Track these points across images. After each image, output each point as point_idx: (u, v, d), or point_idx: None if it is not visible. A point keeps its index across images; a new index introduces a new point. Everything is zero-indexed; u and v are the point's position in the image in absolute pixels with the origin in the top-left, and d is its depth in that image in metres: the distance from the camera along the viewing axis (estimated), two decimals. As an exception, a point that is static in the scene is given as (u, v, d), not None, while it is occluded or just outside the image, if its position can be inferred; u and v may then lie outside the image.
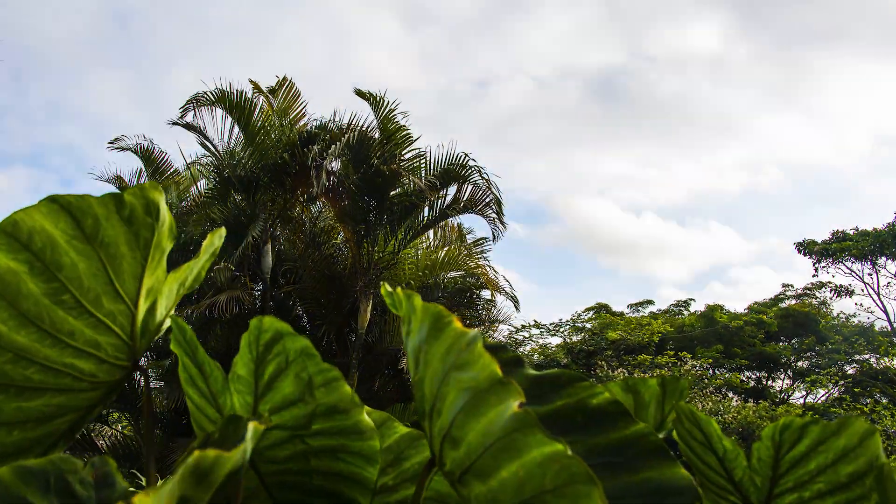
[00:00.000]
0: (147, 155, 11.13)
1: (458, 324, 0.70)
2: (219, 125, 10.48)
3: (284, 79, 10.71)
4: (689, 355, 18.54)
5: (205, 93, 9.64)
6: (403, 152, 10.30)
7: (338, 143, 9.46)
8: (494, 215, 10.43)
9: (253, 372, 1.01)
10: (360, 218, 10.01)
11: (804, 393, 21.18)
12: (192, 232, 10.56)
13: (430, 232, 11.40)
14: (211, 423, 1.09)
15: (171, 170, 11.62)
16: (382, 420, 1.24)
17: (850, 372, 20.49)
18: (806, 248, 23.42)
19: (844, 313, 24.46)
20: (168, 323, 1.06)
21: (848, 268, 23.07)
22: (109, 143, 10.68)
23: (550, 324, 22.69)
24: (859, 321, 23.48)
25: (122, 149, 10.89)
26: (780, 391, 22.66)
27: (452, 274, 11.61)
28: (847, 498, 0.84)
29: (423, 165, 10.35)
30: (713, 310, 23.87)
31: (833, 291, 23.74)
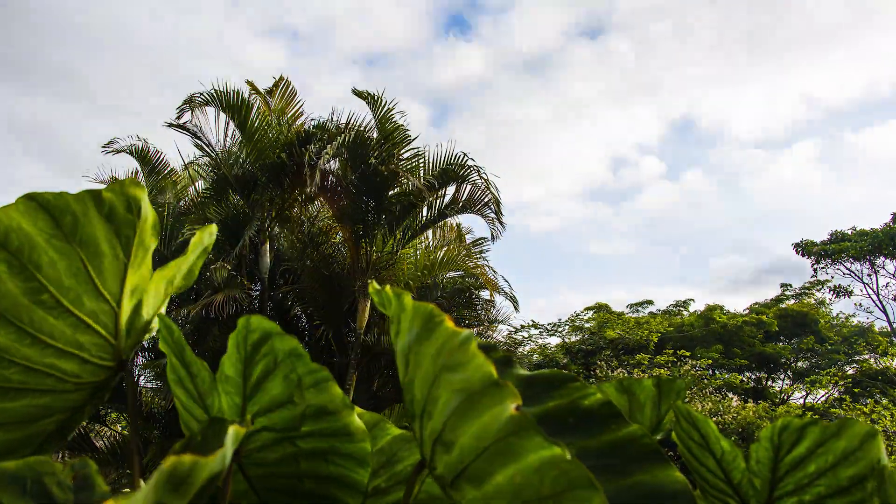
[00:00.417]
0: (142, 156, 11.10)
1: (449, 323, 0.67)
2: (215, 125, 10.48)
3: (281, 78, 10.71)
4: (689, 353, 18.52)
5: (201, 93, 9.64)
6: (401, 152, 10.28)
7: (333, 143, 9.44)
8: (493, 215, 10.42)
9: (241, 372, 0.99)
10: (359, 218, 9.99)
11: (804, 393, 21.16)
12: (190, 231, 10.54)
13: (429, 232, 11.39)
14: (198, 425, 1.07)
15: (168, 170, 11.60)
16: (374, 421, 1.22)
17: (850, 372, 20.47)
18: (804, 248, 23.42)
19: (844, 313, 24.50)
20: (157, 322, 1.04)
21: (847, 268, 23.08)
22: (103, 146, 10.67)
23: (549, 324, 22.68)
24: (859, 321, 23.50)
25: (117, 151, 10.87)
26: (780, 391, 22.64)
27: (451, 274, 11.59)
28: (848, 502, 0.82)
29: (421, 165, 10.34)
30: (712, 310, 23.85)
31: (832, 292, 23.74)
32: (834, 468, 0.86)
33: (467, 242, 11.76)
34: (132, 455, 0.93)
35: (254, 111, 10.05)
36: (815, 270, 23.55)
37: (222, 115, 10.11)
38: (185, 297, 10.33)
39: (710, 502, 1.11)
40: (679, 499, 0.65)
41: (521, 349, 20.28)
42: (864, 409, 16.05)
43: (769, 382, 23.08)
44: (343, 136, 9.76)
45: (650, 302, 26.87)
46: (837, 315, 24.21)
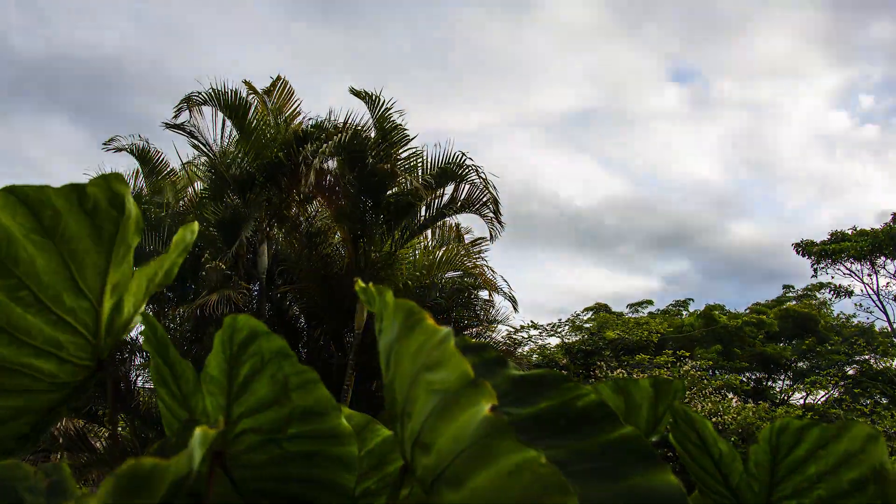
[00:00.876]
0: (143, 155, 11.08)
1: (430, 320, 0.65)
2: (213, 125, 10.46)
3: (279, 77, 10.68)
4: (688, 353, 18.49)
5: (198, 93, 9.61)
6: (400, 151, 10.26)
7: (329, 142, 9.41)
8: (492, 214, 10.40)
9: (226, 373, 0.96)
10: (357, 217, 9.96)
11: (804, 394, 21.13)
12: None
13: (428, 232, 11.37)
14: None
15: (168, 169, 11.58)
16: (364, 423, 1.19)
17: (850, 373, 20.44)
18: (804, 248, 23.39)
19: (844, 314, 24.46)
20: (137, 321, 1.02)
21: (847, 268, 23.05)
22: (104, 143, 10.65)
23: (548, 324, 22.65)
24: (859, 321, 23.47)
25: (118, 149, 10.84)
26: (780, 392, 22.61)
27: (450, 274, 11.57)
28: (849, 506, 0.79)
29: (419, 164, 10.32)
30: (712, 310, 23.83)
31: (833, 292, 23.72)
32: (834, 471, 0.84)
33: (466, 242, 11.74)
34: (112, 456, 0.90)
35: (251, 111, 10.03)
36: (815, 270, 23.53)
37: (220, 115, 10.11)
38: (182, 296, 10.31)
39: (707, 505, 1.08)
40: (674, 503, 0.63)
41: (520, 349, 20.25)
42: (865, 409, 16.03)
43: (769, 383, 23.05)
44: (341, 135, 9.74)
45: (650, 302, 26.89)
46: (838, 315, 24.20)
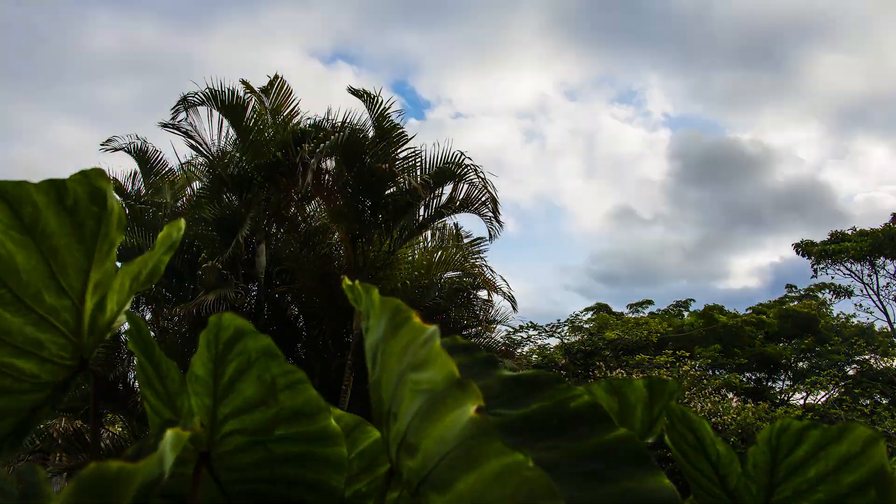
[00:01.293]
0: (141, 155, 11.06)
1: (416, 319, 0.63)
2: (210, 125, 10.44)
3: (276, 77, 10.65)
4: (688, 353, 18.46)
5: (195, 93, 9.59)
6: (398, 151, 10.24)
7: (327, 141, 9.39)
8: (490, 214, 10.39)
9: (212, 372, 0.94)
10: (355, 217, 9.94)
11: (804, 394, 21.11)
12: (187, 231, 10.49)
13: (427, 232, 11.34)
14: (167, 428, 1.02)
15: (166, 169, 11.57)
16: (355, 423, 1.17)
17: (850, 373, 20.41)
18: (804, 249, 23.38)
19: (844, 314, 24.44)
20: (121, 319, 1.00)
21: (847, 269, 23.03)
22: (102, 143, 10.63)
23: (547, 325, 22.62)
24: (859, 321, 23.45)
25: (115, 149, 10.83)
26: (780, 392, 22.58)
27: (449, 274, 11.54)
28: (849, 510, 0.77)
29: (418, 164, 10.30)
30: (712, 310, 23.81)
31: (833, 292, 23.70)
32: (835, 473, 0.81)
33: (465, 242, 11.71)
34: (94, 457, 0.88)
35: (249, 110, 10.01)
36: (814, 271, 23.51)
37: (217, 115, 10.08)
38: (182, 296, 10.29)
39: (704, 508, 1.06)
40: (667, 508, 0.60)
41: (520, 350, 20.23)
42: (865, 409, 16.00)
43: (769, 383, 23.03)
44: (339, 134, 9.71)
45: (650, 302, 26.86)
46: (838, 316, 24.18)
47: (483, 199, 10.34)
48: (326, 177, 10.21)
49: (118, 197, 11.45)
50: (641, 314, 25.66)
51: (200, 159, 11.25)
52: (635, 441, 0.68)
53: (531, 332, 22.26)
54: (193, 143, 10.23)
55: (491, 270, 11.13)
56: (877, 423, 14.24)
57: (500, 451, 0.47)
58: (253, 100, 10.50)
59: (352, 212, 9.95)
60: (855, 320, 23.56)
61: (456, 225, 11.88)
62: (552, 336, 22.63)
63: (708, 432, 1.00)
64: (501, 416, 0.77)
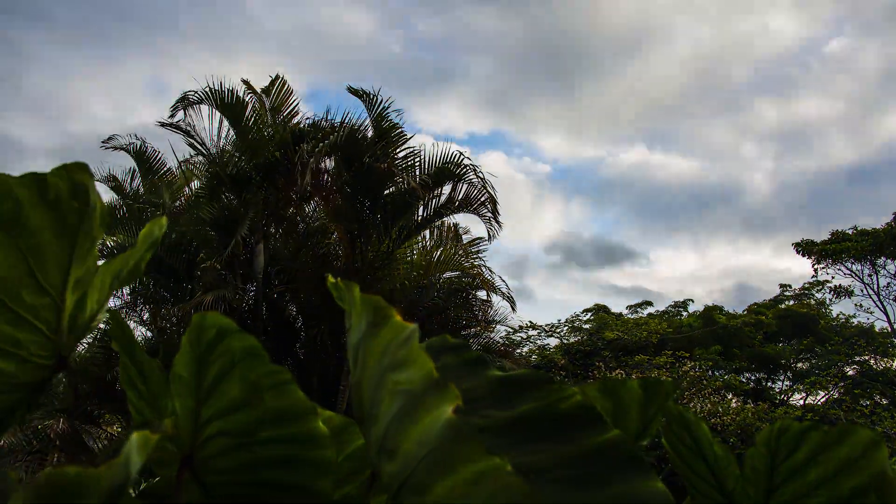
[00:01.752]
0: (140, 154, 11.04)
1: (398, 318, 0.60)
2: (209, 124, 10.41)
3: (277, 76, 10.63)
4: (687, 354, 18.44)
5: (195, 91, 9.57)
6: (397, 151, 10.21)
7: (326, 141, 9.35)
8: (489, 214, 10.35)
9: (195, 373, 0.92)
10: (354, 217, 9.91)
11: (804, 394, 21.08)
12: (184, 231, 10.47)
13: (426, 232, 11.32)
14: (151, 430, 1.00)
15: (165, 168, 11.54)
16: (343, 425, 1.15)
17: (850, 373, 20.38)
18: (805, 248, 23.35)
19: (844, 314, 24.41)
20: (102, 318, 0.97)
21: (847, 268, 23.00)
22: (103, 142, 10.61)
23: (547, 325, 22.59)
24: (859, 322, 23.42)
25: (115, 148, 10.80)
26: (780, 392, 22.55)
27: (448, 274, 11.51)
28: (849, 515, 0.75)
29: (417, 164, 10.26)
30: (712, 310, 23.78)
31: (832, 292, 23.68)
32: (835, 477, 0.79)
33: (464, 242, 11.69)
34: (73, 454, 0.86)
35: (248, 109, 9.98)
36: (815, 270, 23.48)
37: (216, 115, 10.05)
38: (180, 296, 10.26)
39: (701, 512, 1.03)
40: (660, 513, 0.58)
41: (519, 350, 20.21)
42: (865, 410, 15.98)
43: (769, 383, 23.00)
44: (337, 133, 9.69)
45: (649, 303, 26.85)
46: (837, 316, 24.15)
47: (482, 199, 10.32)
48: (325, 176, 10.19)
49: (116, 196, 11.44)
50: (641, 315, 25.65)
51: (199, 158, 11.24)
52: (628, 443, 0.65)
53: (530, 332, 22.25)
54: (192, 141, 10.21)
55: (490, 271, 11.12)
56: (876, 423, 14.21)
57: (478, 456, 0.44)
58: (253, 99, 10.49)
59: (350, 211, 9.92)
60: (855, 320, 23.54)
61: (455, 225, 11.87)
62: (551, 336, 22.62)
63: (705, 433, 0.97)
64: (490, 417, 0.75)
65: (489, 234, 10.77)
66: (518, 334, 21.12)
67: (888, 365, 20.08)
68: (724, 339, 22.08)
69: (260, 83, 11.20)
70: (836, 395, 19.34)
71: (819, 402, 19.57)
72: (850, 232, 22.52)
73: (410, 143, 10.53)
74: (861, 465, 0.71)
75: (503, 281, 11.75)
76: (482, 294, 11.72)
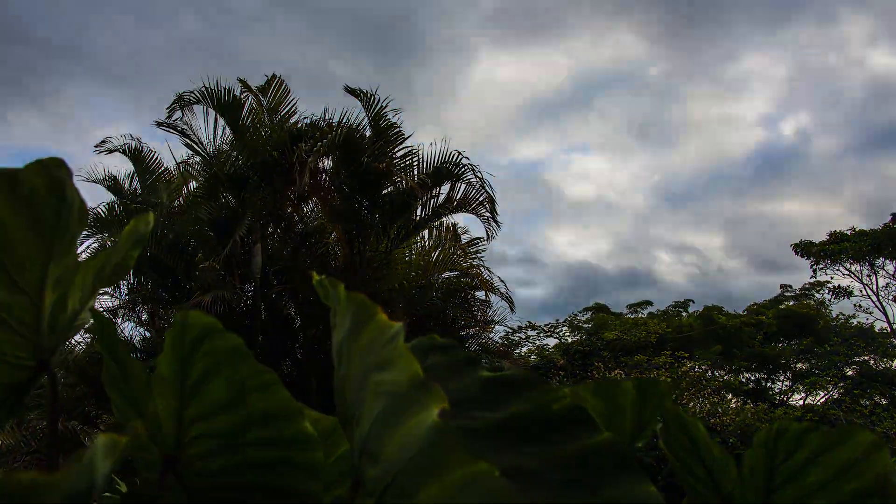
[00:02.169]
0: (136, 155, 11.00)
1: (382, 316, 0.58)
2: (206, 124, 10.39)
3: (274, 76, 10.59)
4: (687, 355, 18.41)
5: (191, 91, 9.54)
6: (395, 150, 10.18)
7: (324, 140, 9.32)
8: (488, 214, 10.33)
9: (178, 373, 0.89)
10: (352, 217, 9.88)
11: (804, 394, 21.06)
12: (183, 231, 10.45)
13: (425, 232, 11.29)
14: (134, 431, 0.98)
15: (162, 169, 11.50)
16: (333, 427, 1.12)
17: (850, 373, 20.36)
18: (803, 249, 23.34)
19: (843, 314, 24.39)
20: (84, 317, 0.95)
21: (846, 269, 22.99)
22: (96, 145, 10.57)
23: (545, 325, 22.57)
24: (858, 322, 23.41)
25: (110, 150, 10.77)
26: (780, 393, 22.53)
27: (447, 274, 11.49)
28: (850, 520, 0.72)
29: (415, 164, 10.23)
30: (711, 310, 23.76)
31: (832, 293, 23.67)
32: (836, 480, 0.77)
33: (463, 242, 11.65)
34: (51, 459, 0.83)
35: (245, 109, 9.95)
36: (814, 271, 23.47)
37: (213, 114, 10.02)
38: (178, 297, 10.24)
39: (698, 515, 1.01)
40: (652, 519, 0.56)
41: (518, 350, 20.19)
42: (864, 410, 15.95)
43: (768, 384, 22.98)
44: (335, 133, 9.65)
45: (649, 303, 26.82)
46: (837, 316, 24.14)
47: (481, 198, 10.29)
48: (323, 176, 10.16)
49: (114, 196, 11.41)
50: (640, 314, 25.62)
51: (197, 158, 11.20)
52: (620, 446, 0.63)
53: (530, 332, 22.22)
54: (189, 141, 10.18)
55: (488, 271, 11.09)
56: (876, 423, 14.19)
57: (464, 460, 0.42)
58: (250, 98, 10.46)
59: (348, 211, 9.89)
60: (854, 321, 23.53)
61: (454, 225, 11.84)
62: (550, 336, 22.60)
63: (702, 434, 0.95)
64: (478, 419, 0.73)
65: (488, 235, 10.76)
66: (517, 334, 21.11)
67: (888, 365, 20.07)
68: (724, 339, 22.06)
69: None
70: (835, 396, 19.33)
71: (819, 403, 19.56)
72: (848, 232, 22.52)
73: (408, 143, 10.52)
74: (863, 468, 0.69)
75: (502, 281, 11.73)
76: (481, 294, 11.71)
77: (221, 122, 10.16)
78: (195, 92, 9.60)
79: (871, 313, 23.48)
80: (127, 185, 11.56)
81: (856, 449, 0.69)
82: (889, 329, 22.34)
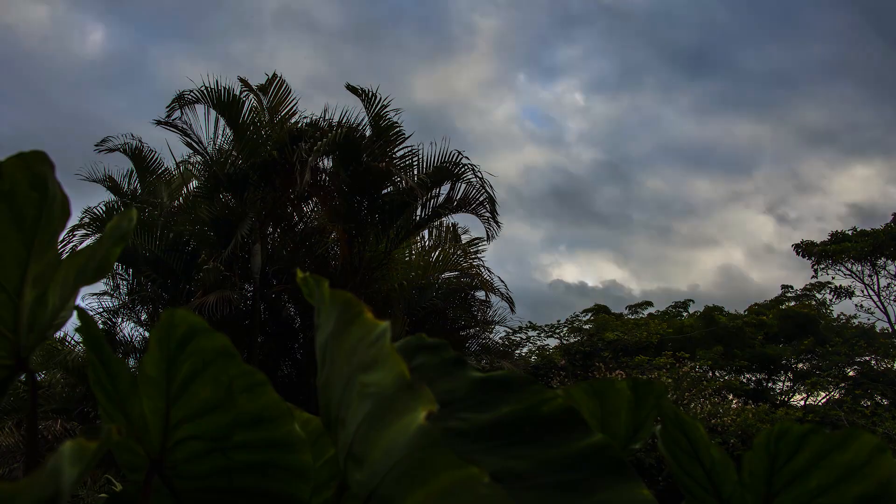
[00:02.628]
0: (136, 154, 10.99)
1: (368, 314, 0.56)
2: (206, 123, 10.37)
3: (274, 75, 10.57)
4: (687, 355, 18.37)
5: (191, 90, 9.52)
6: (395, 150, 10.15)
7: (324, 140, 9.29)
8: (488, 214, 10.29)
9: (164, 373, 0.87)
10: (351, 217, 9.86)
11: (805, 395, 21.02)
12: (182, 231, 10.43)
13: (425, 232, 11.27)
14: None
15: (162, 168, 11.49)
16: (322, 429, 1.10)
17: (851, 374, 20.31)
18: (805, 249, 23.32)
19: (845, 315, 24.35)
20: (66, 315, 0.93)
21: (848, 269, 22.96)
22: (97, 144, 10.56)
23: (546, 325, 22.52)
24: (860, 322, 23.37)
25: (110, 149, 10.75)
26: (781, 393, 22.49)
27: (447, 274, 11.46)
28: (853, 526, 0.70)
29: (415, 163, 10.20)
30: (712, 311, 23.72)
31: (833, 293, 23.64)
32: (838, 484, 0.74)
33: (463, 243, 11.62)
34: (29, 461, 0.81)
35: (245, 108, 9.94)
36: (815, 271, 23.45)
37: (213, 114, 10.01)
38: (178, 297, 10.22)
39: (696, 519, 0.99)
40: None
41: (519, 351, 20.17)
42: (866, 411, 15.92)
43: (770, 384, 22.94)
44: (335, 132, 9.62)
45: (650, 303, 26.79)
46: (838, 316, 24.10)
47: (481, 198, 10.25)
48: (323, 176, 10.14)
49: (114, 196, 11.40)
50: (641, 315, 25.59)
51: (197, 158, 11.19)
52: (612, 449, 0.61)
53: (530, 332, 22.19)
54: (189, 141, 10.17)
55: (488, 271, 11.05)
56: (877, 424, 14.15)
57: (452, 465, 0.40)
58: (251, 98, 10.44)
59: (348, 211, 9.87)
60: (856, 321, 23.49)
61: (454, 225, 11.81)
62: (551, 337, 22.57)
63: (702, 435, 0.93)
64: (468, 420, 0.71)
65: (488, 235, 10.71)
66: (518, 335, 21.07)
67: (889, 365, 20.03)
68: (725, 340, 22.02)
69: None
70: (836, 396, 19.29)
71: (820, 403, 19.52)
72: (849, 233, 22.49)
73: (409, 142, 10.48)
74: (866, 472, 0.67)
75: (502, 281, 11.69)
76: (481, 294, 11.68)
77: (222, 121, 10.15)
78: (195, 91, 9.60)
79: (872, 313, 23.45)
80: (126, 185, 11.55)
81: (859, 452, 0.67)
82: (890, 329, 22.30)
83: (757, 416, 14.70)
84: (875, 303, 22.77)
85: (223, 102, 9.70)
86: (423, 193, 9.87)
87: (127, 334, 11.92)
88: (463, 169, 10.06)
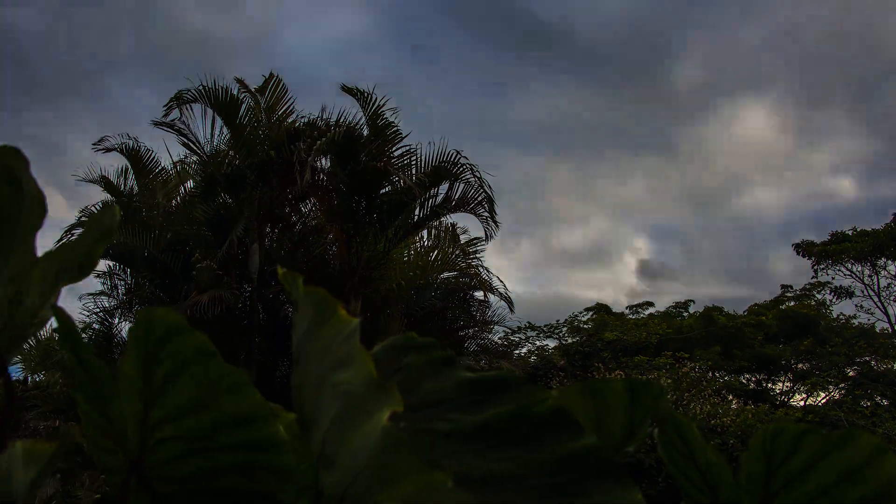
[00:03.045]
0: (133, 154, 10.97)
1: (342, 312, 0.53)
2: (203, 123, 10.35)
3: (272, 75, 10.55)
4: (687, 355, 18.35)
5: (188, 90, 9.49)
6: (393, 149, 10.13)
7: (322, 140, 9.27)
8: (487, 214, 10.27)
9: (142, 373, 0.85)
10: (349, 216, 9.84)
11: (804, 395, 21.00)
12: (180, 231, 10.41)
13: (424, 232, 11.24)
14: (99, 435, 0.94)
15: (159, 168, 11.47)
16: (308, 429, 1.08)
17: (851, 374, 20.29)
18: (805, 249, 23.31)
19: (845, 315, 24.34)
20: (45, 315, 0.90)
21: (848, 269, 22.96)
22: (94, 143, 10.55)
23: (546, 325, 22.47)
24: (860, 323, 23.35)
25: (108, 149, 10.73)
26: (781, 393, 22.47)
27: (445, 274, 11.43)
28: (854, 530, 0.67)
29: (413, 163, 10.18)
30: (712, 311, 23.71)
31: (833, 293, 23.63)
32: (837, 486, 0.72)
33: (462, 242, 11.60)
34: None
35: (243, 108, 9.92)
36: (815, 272, 23.45)
37: (210, 114, 9.99)
38: (175, 297, 10.19)
39: (693, 522, 0.97)
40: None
41: (518, 351, 20.15)
42: (866, 411, 15.90)
43: (769, 384, 22.92)
44: (333, 132, 9.61)
45: (650, 304, 26.78)
46: (838, 317, 24.08)
47: (479, 198, 10.23)
48: (321, 175, 10.12)
49: (111, 196, 11.36)
50: (641, 315, 25.58)
51: (194, 158, 11.17)
52: (605, 451, 0.59)
53: (529, 332, 22.15)
54: (186, 141, 10.15)
55: (487, 271, 11.03)
56: (877, 424, 14.14)
57: (417, 469, 0.38)
58: (248, 98, 10.42)
59: (346, 211, 9.85)
60: (856, 321, 23.47)
61: (452, 225, 11.79)
62: (550, 337, 22.53)
63: (697, 437, 0.91)
64: (456, 421, 0.68)
65: (486, 235, 10.69)
66: (516, 335, 21.03)
67: (889, 366, 20.02)
68: (725, 340, 22.01)
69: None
70: (836, 397, 19.28)
71: (820, 404, 19.50)
72: (849, 233, 22.49)
73: (407, 141, 10.46)
74: (867, 474, 0.64)
75: (501, 281, 11.66)
76: (480, 294, 11.65)
77: (219, 121, 10.14)
78: (193, 90, 9.57)
79: (872, 314, 23.45)
80: (122, 184, 11.52)
81: (859, 453, 0.65)
82: (890, 329, 22.31)
83: (757, 417, 14.68)
84: (875, 303, 22.79)
85: (221, 102, 9.68)
86: (422, 193, 9.85)
87: (125, 335, 11.89)
88: (461, 168, 10.05)
